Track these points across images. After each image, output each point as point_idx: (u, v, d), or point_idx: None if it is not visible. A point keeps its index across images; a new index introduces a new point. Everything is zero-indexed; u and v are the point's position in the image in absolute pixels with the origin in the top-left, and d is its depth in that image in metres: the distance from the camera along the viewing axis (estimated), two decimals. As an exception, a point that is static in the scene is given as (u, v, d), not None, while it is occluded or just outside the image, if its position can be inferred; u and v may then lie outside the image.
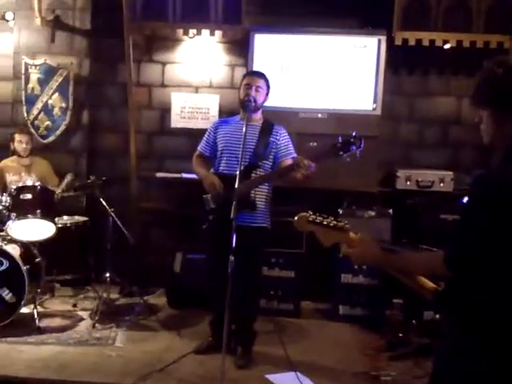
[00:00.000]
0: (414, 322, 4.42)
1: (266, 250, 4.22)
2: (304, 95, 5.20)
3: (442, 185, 5.02)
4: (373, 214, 4.79)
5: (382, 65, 5.12)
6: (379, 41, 5.11)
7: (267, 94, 3.87)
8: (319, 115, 5.16)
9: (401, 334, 4.23)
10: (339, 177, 4.76)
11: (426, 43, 5.05)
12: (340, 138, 3.33)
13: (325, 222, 2.00)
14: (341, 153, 3.33)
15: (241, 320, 3.81)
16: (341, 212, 4.74)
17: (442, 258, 1.65)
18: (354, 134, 3.33)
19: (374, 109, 5.13)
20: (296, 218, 2.05)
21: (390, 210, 4.82)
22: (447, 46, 5.08)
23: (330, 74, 5.18)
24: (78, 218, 4.88)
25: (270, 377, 3.51)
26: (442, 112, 5.53)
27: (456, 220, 1.70)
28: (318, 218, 2.01)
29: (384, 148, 5.19)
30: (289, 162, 3.72)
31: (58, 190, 4.70)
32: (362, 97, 5.17)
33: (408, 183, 5.05)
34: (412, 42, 5.06)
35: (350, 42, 5.18)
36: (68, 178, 4.89)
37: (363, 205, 4.85)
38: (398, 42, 5.05)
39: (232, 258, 3.04)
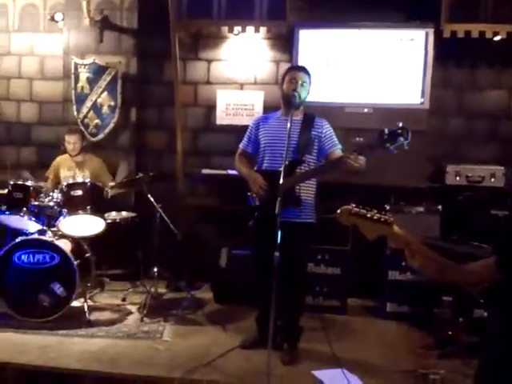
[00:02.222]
0: (462, 319, 4.31)
1: (312, 247, 4.20)
2: (350, 90, 5.16)
3: (492, 180, 4.89)
4: (421, 210, 4.70)
5: (430, 58, 5.03)
6: (427, 33, 5.02)
7: (309, 89, 3.83)
8: (365, 110, 5.10)
9: (450, 332, 4.13)
10: (386, 172, 4.69)
11: (475, 35, 4.93)
12: (386, 130, 3.26)
13: (368, 215, 1.97)
14: (387, 144, 3.25)
15: (286, 316, 3.80)
16: (388, 208, 4.67)
17: (491, 264, 1.60)
18: (400, 124, 3.25)
19: (421, 103, 5.04)
20: (339, 210, 2.02)
21: (439, 206, 4.72)
22: (497, 38, 4.94)
23: (376, 69, 5.12)
24: (126, 214, 4.98)
25: (317, 373, 3.48)
26: (492, 105, 5.38)
27: (507, 217, 1.66)
28: (362, 210, 1.99)
29: (432, 143, 5.08)
30: (336, 153, 3.67)
31: (117, 180, 4.81)
32: (409, 91, 5.08)
33: (457, 178, 4.94)
34: (461, 35, 4.94)
35: (396, 35, 5.10)
36: (123, 166, 4.98)
37: (411, 201, 4.77)
38: (447, 34, 4.94)
39: (277, 253, 3.03)
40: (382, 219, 1.96)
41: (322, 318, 4.56)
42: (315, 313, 4.56)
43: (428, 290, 4.59)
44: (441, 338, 4.10)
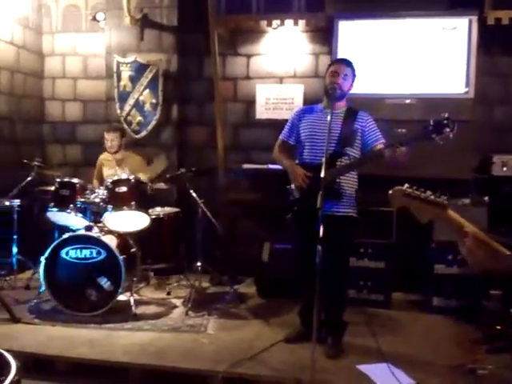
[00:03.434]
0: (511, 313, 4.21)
1: (355, 241, 4.16)
2: (391, 81, 5.08)
3: (541, 170, 4.74)
4: (467, 201, 4.60)
5: (474, 46, 4.90)
6: (470, 21, 4.89)
7: (353, 82, 3.79)
8: (407, 101, 5.01)
9: (498, 327, 4.03)
10: (430, 164, 4.59)
11: (520, 22, 4.78)
12: (431, 121, 3.21)
13: (422, 196, 1.91)
14: (433, 135, 3.20)
15: (329, 310, 3.78)
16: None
17: None
18: (446, 115, 3.19)
19: (466, 92, 4.92)
20: (391, 191, 1.97)
21: (486, 198, 4.61)
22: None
23: (418, 58, 5.02)
24: (170, 210, 5.03)
25: (362, 367, 3.46)
26: (540, 93, 5.21)
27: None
28: (415, 191, 1.93)
29: (478, 133, 4.95)
30: (379, 147, 3.63)
31: (152, 172, 4.87)
32: (452, 80, 4.96)
33: (504, 169, 4.80)
34: (506, 21, 4.81)
35: (438, 24, 4.98)
36: (160, 160, 5.04)
37: (457, 193, 4.66)
38: (491, 21, 4.82)
39: (319, 247, 3.02)
40: (437, 201, 1.90)
41: (366, 312, 4.52)
42: (359, 307, 4.52)
43: (476, 283, 4.50)
44: (489, 333, 4.00)
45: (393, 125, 4.79)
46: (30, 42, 6.05)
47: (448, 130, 3.16)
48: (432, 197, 1.90)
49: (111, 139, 5.15)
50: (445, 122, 3.17)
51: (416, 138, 3.36)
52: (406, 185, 1.95)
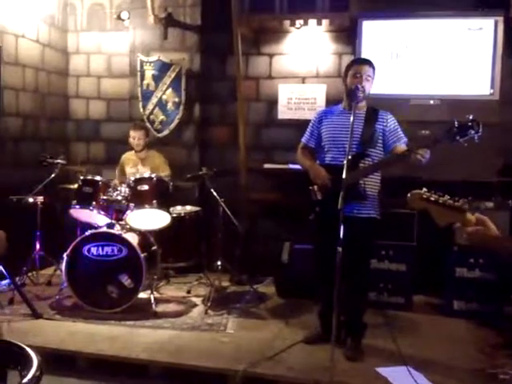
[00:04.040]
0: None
1: (376, 243, 4.14)
2: (415, 82, 5.04)
3: None
4: (491, 205, 4.53)
5: (500, 47, 4.85)
6: (496, 22, 4.84)
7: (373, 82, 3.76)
8: (431, 102, 4.97)
9: (520, 332, 3.99)
10: (454, 166, 4.56)
11: (547, 22, 4.71)
12: (456, 122, 3.17)
13: (440, 200, 1.93)
14: (457, 137, 3.16)
15: (349, 312, 3.77)
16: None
17: None
18: (471, 117, 3.15)
19: (491, 94, 4.86)
20: (409, 194, 1.99)
21: (510, 202, 4.54)
22: None
23: (442, 59, 4.97)
24: (190, 208, 5.06)
25: (381, 370, 3.44)
26: None
27: None
28: (433, 195, 1.95)
29: (502, 135, 4.88)
30: (401, 148, 3.60)
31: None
32: (478, 82, 4.91)
33: (529, 172, 4.73)
34: (533, 22, 4.73)
35: (464, 24, 4.94)
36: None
37: (480, 196, 4.60)
38: (517, 22, 4.74)
39: (340, 249, 3.01)
40: (456, 205, 1.91)
41: (386, 314, 4.49)
42: (379, 309, 4.49)
43: (498, 287, 4.45)
44: (510, 338, 3.95)
45: (417, 126, 4.75)
46: (55, 41, 6.13)
47: (472, 132, 3.12)
48: (450, 201, 1.91)
49: (138, 137, 5.19)
50: (470, 124, 3.12)
51: (440, 139, 3.31)
52: (424, 189, 1.96)
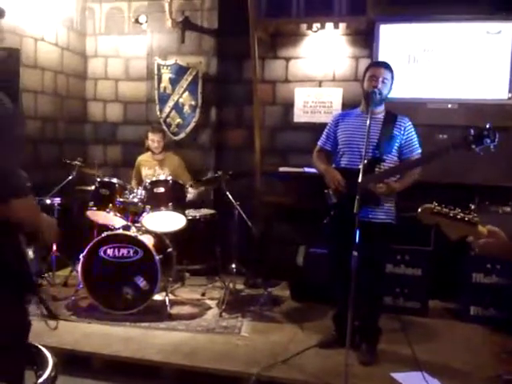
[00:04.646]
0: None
1: (392, 247, 4.11)
2: (433, 85, 5.00)
3: None
4: (508, 209, 4.49)
5: (519, 51, 4.78)
6: (515, 25, 4.78)
7: (391, 86, 3.73)
8: (449, 106, 4.94)
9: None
10: (471, 171, 4.51)
11: None
12: (472, 131, 3.14)
13: (451, 214, 1.92)
14: (473, 146, 3.14)
15: (364, 317, 3.74)
16: (472, 207, 4.48)
17: None
18: (488, 125, 3.12)
19: (509, 98, 4.81)
20: (420, 209, 1.99)
21: (528, 206, 4.49)
22: None
23: (460, 63, 4.94)
24: (206, 211, 5.08)
25: (396, 375, 3.41)
26: None
27: None
28: (444, 209, 1.94)
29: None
30: (414, 158, 3.60)
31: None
32: (496, 86, 4.86)
33: (548, 177, 4.67)
34: (553, 25, 4.67)
35: (482, 28, 4.89)
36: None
37: (498, 200, 4.55)
38: (537, 25, 4.68)
39: (355, 253, 3.00)
40: (466, 218, 1.91)
41: (401, 319, 4.45)
42: (395, 314, 4.46)
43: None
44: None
45: (434, 130, 4.72)
46: (73, 44, 6.19)
47: (488, 141, 3.10)
48: (461, 214, 1.90)
49: (157, 140, 5.24)
50: (485, 132, 3.09)
51: (455, 147, 3.29)
52: (435, 203, 1.96)
